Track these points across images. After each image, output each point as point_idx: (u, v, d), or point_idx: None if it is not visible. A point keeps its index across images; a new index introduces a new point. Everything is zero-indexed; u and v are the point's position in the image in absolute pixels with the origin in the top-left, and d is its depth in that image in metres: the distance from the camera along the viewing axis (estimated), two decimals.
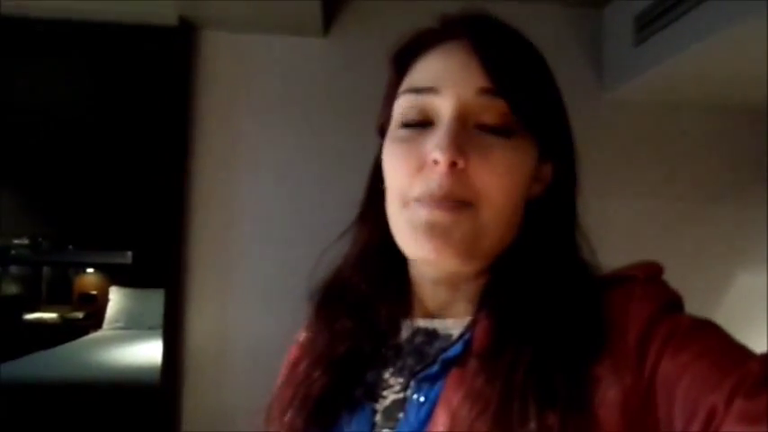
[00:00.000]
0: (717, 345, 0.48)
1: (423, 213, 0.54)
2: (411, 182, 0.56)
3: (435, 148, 0.53)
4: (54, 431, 3.32)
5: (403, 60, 0.61)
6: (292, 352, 0.72)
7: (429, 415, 0.54)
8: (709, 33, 1.40)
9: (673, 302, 0.53)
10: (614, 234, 1.83)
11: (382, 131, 0.63)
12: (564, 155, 0.61)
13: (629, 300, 0.52)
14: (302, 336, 0.71)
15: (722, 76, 1.65)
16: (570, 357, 0.50)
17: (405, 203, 0.57)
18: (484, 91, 0.54)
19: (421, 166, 0.55)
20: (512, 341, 0.53)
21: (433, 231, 0.54)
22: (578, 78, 1.89)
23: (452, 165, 0.53)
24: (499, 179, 0.54)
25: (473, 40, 0.56)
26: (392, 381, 0.60)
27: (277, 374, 0.73)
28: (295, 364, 0.67)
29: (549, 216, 0.59)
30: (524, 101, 0.55)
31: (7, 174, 4.82)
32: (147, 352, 3.90)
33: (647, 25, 1.65)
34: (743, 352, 0.47)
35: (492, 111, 0.54)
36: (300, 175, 1.84)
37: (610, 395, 0.48)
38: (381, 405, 0.59)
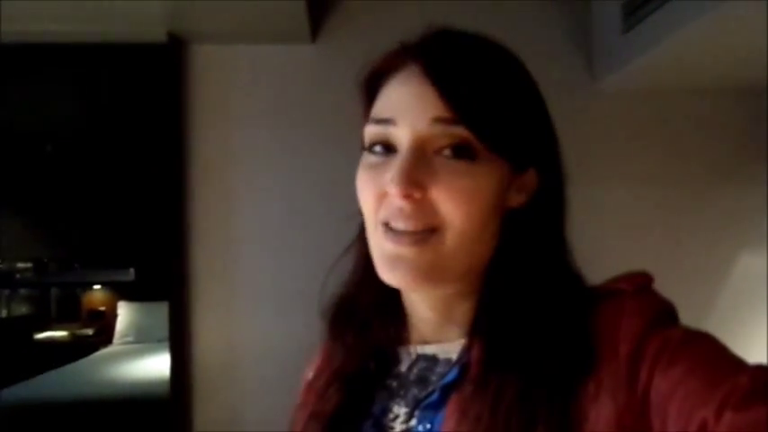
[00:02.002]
0: (708, 358, 0.48)
1: (389, 246, 0.56)
2: (376, 207, 0.57)
3: (391, 182, 0.54)
4: None
5: (370, 87, 0.61)
6: (302, 389, 0.72)
7: None
8: (698, 17, 1.39)
9: (664, 313, 0.53)
10: (610, 223, 1.83)
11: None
12: (545, 162, 0.60)
13: (619, 315, 0.52)
14: (310, 373, 0.71)
15: (713, 59, 1.64)
16: (559, 379, 0.50)
17: (374, 226, 0.58)
18: (438, 120, 0.54)
19: (383, 194, 0.56)
20: (501, 366, 0.53)
21: (399, 263, 0.55)
22: (568, 68, 1.88)
23: (407, 197, 0.53)
24: (461, 206, 0.54)
25: (427, 65, 0.55)
26: (398, 411, 0.61)
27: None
28: (306, 395, 0.68)
29: (532, 226, 0.59)
30: (484, 127, 0.54)
31: (10, 199, 4.84)
32: (158, 365, 3.91)
33: (634, 11, 1.64)
34: (734, 363, 0.47)
35: (450, 137, 0.54)
36: (296, 182, 1.85)
37: (603, 413, 0.48)
38: None
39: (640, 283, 0.56)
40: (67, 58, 2.10)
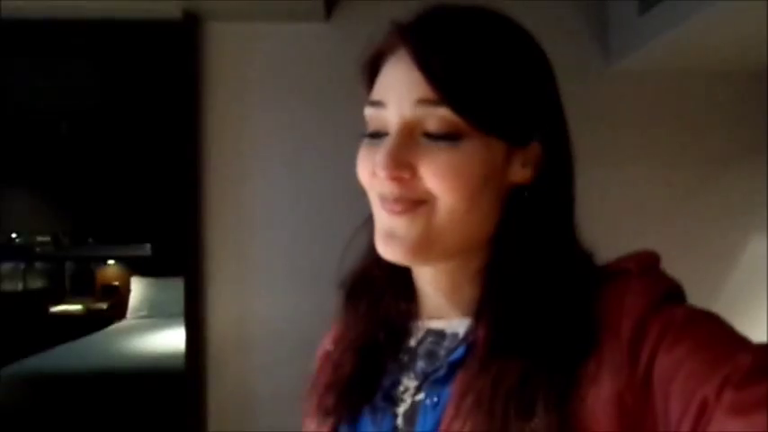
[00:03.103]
0: (711, 337, 0.48)
1: (384, 219, 0.58)
2: (371, 185, 0.59)
3: (378, 165, 0.55)
4: (83, 420, 3.41)
5: (371, 69, 0.62)
6: (319, 359, 0.74)
7: (441, 417, 0.56)
8: None
9: (669, 293, 0.53)
10: (623, 204, 1.84)
11: None
12: (548, 134, 0.59)
13: (623, 294, 0.52)
14: (328, 343, 0.73)
15: (728, 43, 1.63)
16: (561, 360, 0.51)
17: (374, 200, 0.60)
18: (422, 102, 0.54)
19: (374, 174, 0.57)
20: (504, 347, 0.54)
21: (392, 236, 0.57)
22: (583, 50, 1.87)
23: (394, 178, 0.55)
24: (445, 181, 0.54)
25: (413, 46, 0.55)
26: (408, 383, 0.62)
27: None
28: (324, 364, 0.70)
29: (536, 200, 0.58)
30: (468, 107, 0.54)
31: (26, 174, 4.90)
32: (171, 339, 3.98)
33: None
34: (736, 342, 0.47)
35: (435, 118, 0.54)
36: (310, 158, 1.86)
37: (604, 392, 0.49)
38: (401, 408, 0.61)
39: (647, 262, 0.56)
40: (82, 34, 2.10)
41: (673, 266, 0.58)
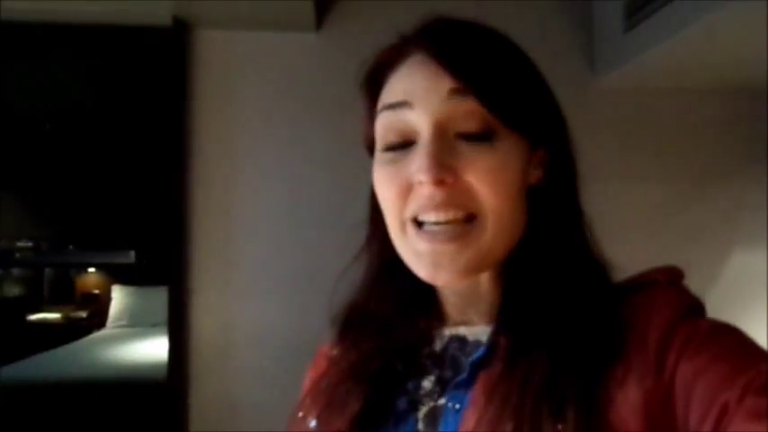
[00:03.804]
0: (733, 347, 0.49)
1: (423, 245, 0.55)
2: (403, 204, 0.56)
3: (419, 170, 0.53)
4: (63, 431, 3.35)
5: (374, 82, 0.60)
6: (320, 364, 0.71)
7: (463, 419, 0.56)
8: (700, 17, 1.41)
9: (693, 307, 0.55)
10: (611, 220, 1.84)
11: (370, 150, 0.63)
12: (554, 138, 0.61)
13: (651, 305, 0.54)
14: (332, 350, 0.70)
15: (714, 60, 1.66)
16: (587, 362, 0.51)
17: (402, 226, 0.57)
18: (454, 92, 0.54)
19: (409, 188, 0.55)
20: (529, 349, 0.54)
21: (438, 263, 0.55)
22: (568, 66, 1.89)
23: (440, 182, 0.53)
24: (495, 188, 0.54)
25: (434, 46, 0.55)
26: (431, 389, 0.62)
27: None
28: (323, 375, 0.68)
29: (551, 203, 0.59)
30: (496, 95, 0.54)
31: (7, 177, 4.82)
32: (152, 349, 3.93)
33: (636, 11, 1.66)
34: (757, 353, 0.49)
35: (468, 116, 0.54)
36: (298, 170, 1.86)
37: (631, 398, 0.49)
38: (421, 413, 0.61)
39: (673, 276, 0.58)
40: (70, 37, 2.09)
41: None
